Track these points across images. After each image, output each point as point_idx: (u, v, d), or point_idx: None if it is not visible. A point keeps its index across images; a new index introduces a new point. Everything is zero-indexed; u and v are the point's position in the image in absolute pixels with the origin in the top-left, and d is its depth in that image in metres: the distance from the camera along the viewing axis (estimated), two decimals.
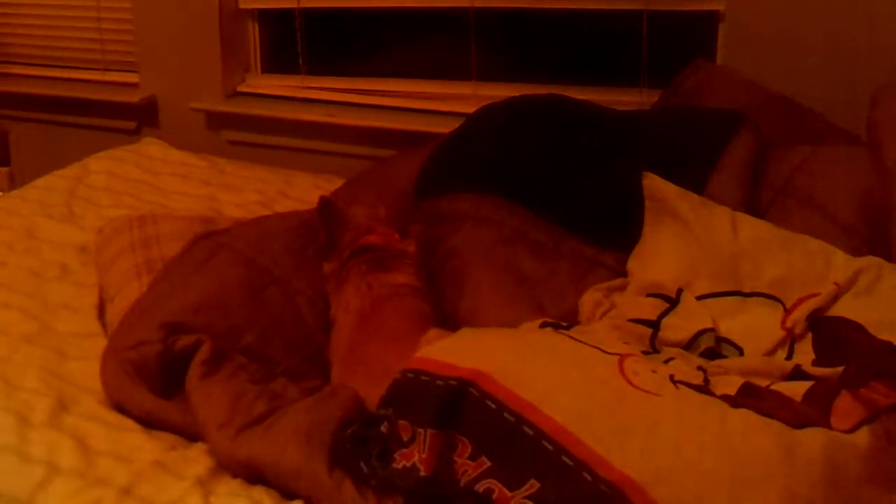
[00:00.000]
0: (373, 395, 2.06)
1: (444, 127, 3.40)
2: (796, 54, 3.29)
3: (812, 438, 1.72)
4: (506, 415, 1.80)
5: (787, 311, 2.32)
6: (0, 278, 2.88)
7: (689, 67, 3.29)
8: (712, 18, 3.51)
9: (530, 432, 1.77)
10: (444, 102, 3.96)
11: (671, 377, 1.93)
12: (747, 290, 2.41)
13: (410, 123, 3.91)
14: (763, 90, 3.16)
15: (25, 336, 2.58)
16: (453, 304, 2.58)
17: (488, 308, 2.53)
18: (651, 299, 2.39)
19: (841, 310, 2.29)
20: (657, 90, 3.43)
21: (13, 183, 4.67)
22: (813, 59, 3.27)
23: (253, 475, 2.01)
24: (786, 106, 3.12)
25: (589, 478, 1.69)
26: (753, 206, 2.72)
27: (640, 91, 3.61)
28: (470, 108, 3.41)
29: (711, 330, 2.30)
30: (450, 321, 2.48)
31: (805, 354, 2.21)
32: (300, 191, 3.56)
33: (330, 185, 3.40)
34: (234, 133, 4.33)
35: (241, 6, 4.29)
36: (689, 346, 2.27)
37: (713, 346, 2.27)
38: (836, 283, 2.32)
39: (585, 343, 2.04)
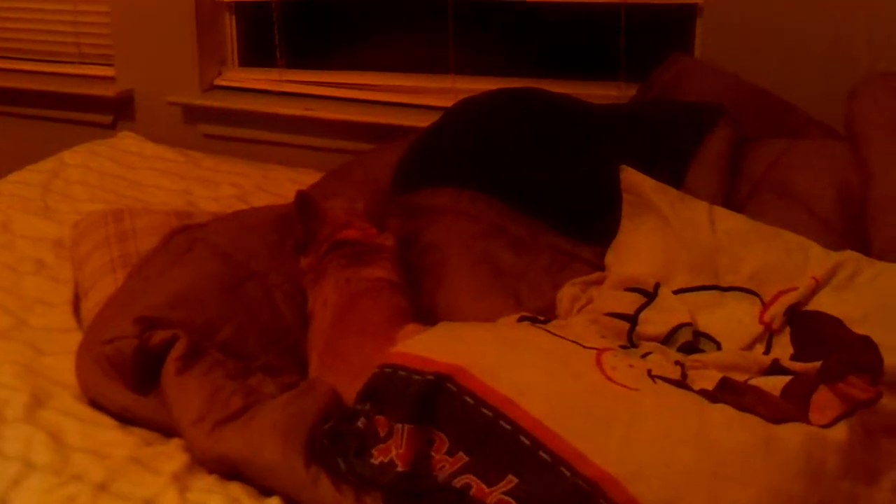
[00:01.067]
0: (350, 390, 2.05)
1: (423, 121, 3.39)
2: (774, 47, 3.30)
3: (791, 433, 1.72)
4: (483, 409, 1.80)
5: (766, 306, 2.31)
6: None
7: (667, 61, 3.29)
8: (690, 11, 3.51)
9: (508, 427, 1.76)
10: (422, 96, 3.95)
11: (649, 372, 1.93)
12: (725, 285, 2.40)
13: (388, 117, 3.90)
14: (741, 83, 3.16)
15: (0, 331, 2.56)
16: (431, 299, 2.57)
17: (466, 302, 2.53)
18: (629, 293, 2.39)
19: (819, 304, 2.28)
20: (635, 84, 3.42)
21: None
22: (791, 53, 3.27)
23: (229, 471, 2.01)
24: (764, 99, 3.13)
25: (567, 473, 1.68)
26: (731, 199, 2.72)
27: (618, 85, 3.60)
28: (448, 102, 3.40)
29: (689, 324, 2.29)
30: (428, 315, 2.48)
31: (783, 349, 2.21)
32: (277, 185, 3.55)
33: (307, 179, 3.39)
34: (210, 127, 4.31)
35: None
36: (666, 340, 2.26)
37: (691, 341, 2.26)
38: (814, 278, 2.31)
39: (563, 337, 2.04)
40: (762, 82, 3.15)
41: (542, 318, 2.34)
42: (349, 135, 3.97)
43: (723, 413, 1.77)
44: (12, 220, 3.21)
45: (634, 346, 2.26)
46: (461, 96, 3.33)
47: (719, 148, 2.80)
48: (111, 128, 4.46)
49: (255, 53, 4.41)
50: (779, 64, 3.28)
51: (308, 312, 2.49)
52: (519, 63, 3.89)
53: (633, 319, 2.31)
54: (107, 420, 2.22)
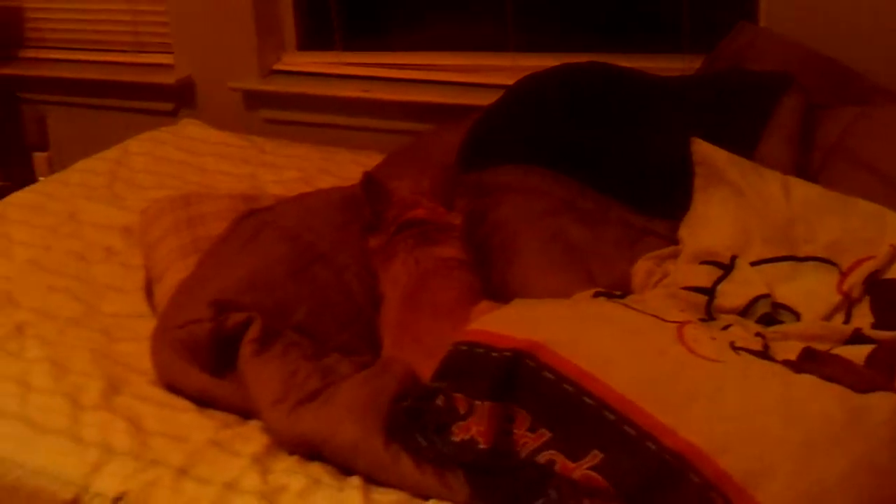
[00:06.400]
0: (424, 369, 2.06)
1: (483, 99, 3.37)
2: (839, 13, 3.24)
3: (879, 402, 1.70)
4: (565, 385, 1.79)
5: (844, 275, 2.28)
6: (45, 262, 2.89)
7: (733, 31, 3.25)
8: None
9: (591, 402, 1.75)
10: (482, 75, 3.92)
11: (731, 343, 1.91)
12: (802, 255, 2.37)
13: (449, 97, 3.88)
14: (807, 51, 3.11)
15: (73, 319, 2.59)
16: (502, 276, 2.56)
17: (538, 278, 2.51)
18: (705, 266, 2.36)
19: None
20: (700, 55, 3.38)
21: (52, 167, 4.68)
22: (856, 19, 3.22)
23: (310, 451, 2.01)
24: (830, 67, 3.08)
25: (653, 447, 1.66)
26: (804, 168, 2.69)
27: (683, 56, 3.55)
28: (508, 80, 3.37)
29: (767, 296, 2.26)
30: (498, 293, 2.46)
31: (863, 318, 2.18)
32: (340, 167, 3.54)
33: (370, 160, 3.38)
34: (271, 112, 4.31)
35: None
36: (745, 312, 2.24)
37: (770, 312, 2.24)
38: (892, 245, 2.27)
39: (642, 311, 2.02)
40: (827, 50, 3.10)
41: (618, 293, 2.32)
42: (409, 116, 3.96)
43: (808, 383, 1.75)
44: (80, 209, 3.22)
45: (713, 319, 2.24)
46: (521, 74, 3.29)
47: (790, 117, 2.76)
48: (173, 115, 4.47)
49: (314, 37, 4.40)
50: (844, 30, 3.22)
51: (378, 293, 2.48)
52: (580, 38, 3.85)
53: (710, 292, 2.28)
54: (184, 404, 2.22)
